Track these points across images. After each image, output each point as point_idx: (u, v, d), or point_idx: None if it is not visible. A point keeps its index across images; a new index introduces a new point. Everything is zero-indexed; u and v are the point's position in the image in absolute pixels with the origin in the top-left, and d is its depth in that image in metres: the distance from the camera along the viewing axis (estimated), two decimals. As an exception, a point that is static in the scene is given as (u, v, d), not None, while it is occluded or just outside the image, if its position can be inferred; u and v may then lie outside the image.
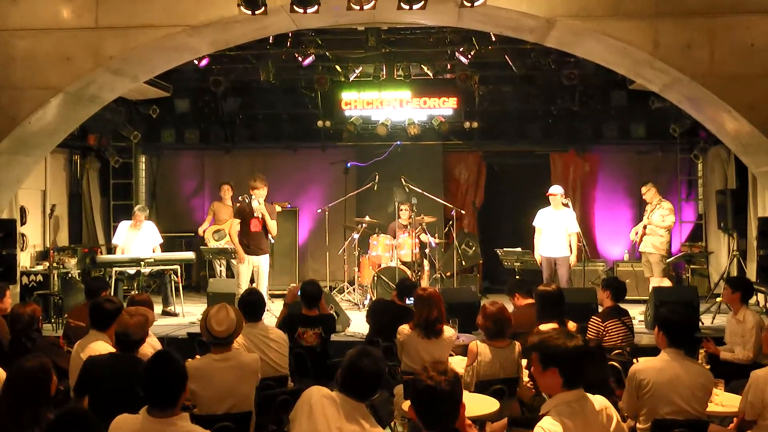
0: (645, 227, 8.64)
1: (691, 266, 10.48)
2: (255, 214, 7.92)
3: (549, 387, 2.98)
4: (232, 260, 9.46)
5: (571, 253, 8.61)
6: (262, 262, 8.05)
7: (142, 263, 8.51)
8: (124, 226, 9.14)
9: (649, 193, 8.76)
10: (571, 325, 5.08)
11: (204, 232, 10.00)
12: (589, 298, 7.50)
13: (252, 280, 8.12)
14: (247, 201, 7.98)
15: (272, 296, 9.23)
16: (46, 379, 3.37)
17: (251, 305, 5.09)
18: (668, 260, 8.46)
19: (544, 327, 4.93)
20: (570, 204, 8.58)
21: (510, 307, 5.88)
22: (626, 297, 6.04)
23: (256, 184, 7.98)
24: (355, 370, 3.17)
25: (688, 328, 4.18)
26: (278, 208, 9.02)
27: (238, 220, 8.02)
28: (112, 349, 4.18)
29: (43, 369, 3.37)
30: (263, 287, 7.95)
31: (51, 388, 3.39)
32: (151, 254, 8.86)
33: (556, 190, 8.78)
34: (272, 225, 8.05)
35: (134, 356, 4.01)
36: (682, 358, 3.91)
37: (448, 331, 5.09)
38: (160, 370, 3.15)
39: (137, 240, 9.02)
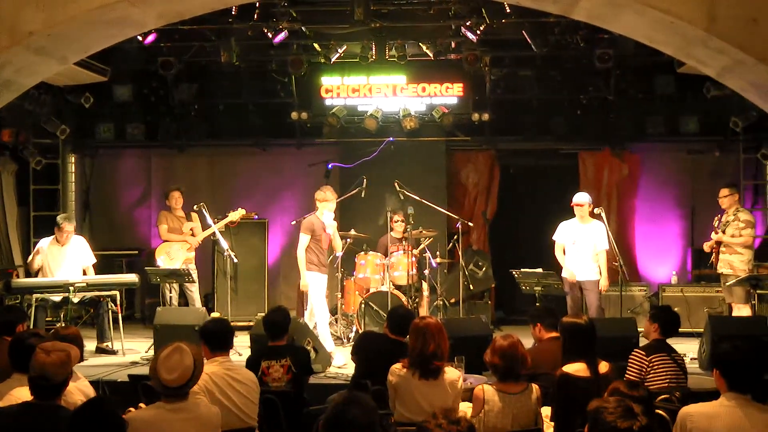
0: (719, 243, 8.64)
1: (758, 291, 10.43)
2: (327, 230, 8.53)
3: None
4: (187, 284, 9.39)
5: (601, 275, 8.59)
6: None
7: (72, 288, 8.45)
8: (45, 242, 9.06)
9: (727, 199, 8.75)
10: (603, 366, 5.03)
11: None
12: (627, 331, 7.49)
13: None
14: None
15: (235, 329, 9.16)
16: None
17: (214, 336, 5.10)
18: (728, 284, 8.43)
19: (569, 367, 4.89)
20: (603, 215, 8.54)
21: (530, 341, 5.84)
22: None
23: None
24: (341, 422, 3.15)
25: (755, 368, 4.13)
26: (234, 217, 9.57)
27: (308, 236, 8.39)
28: None
29: None
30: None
31: None
32: (83, 277, 8.79)
33: (582, 198, 8.75)
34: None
35: (55, 404, 3.93)
36: (747, 404, 3.87)
37: (452, 373, 5.04)
38: (89, 424, 3.08)
39: (65, 259, 8.94)
